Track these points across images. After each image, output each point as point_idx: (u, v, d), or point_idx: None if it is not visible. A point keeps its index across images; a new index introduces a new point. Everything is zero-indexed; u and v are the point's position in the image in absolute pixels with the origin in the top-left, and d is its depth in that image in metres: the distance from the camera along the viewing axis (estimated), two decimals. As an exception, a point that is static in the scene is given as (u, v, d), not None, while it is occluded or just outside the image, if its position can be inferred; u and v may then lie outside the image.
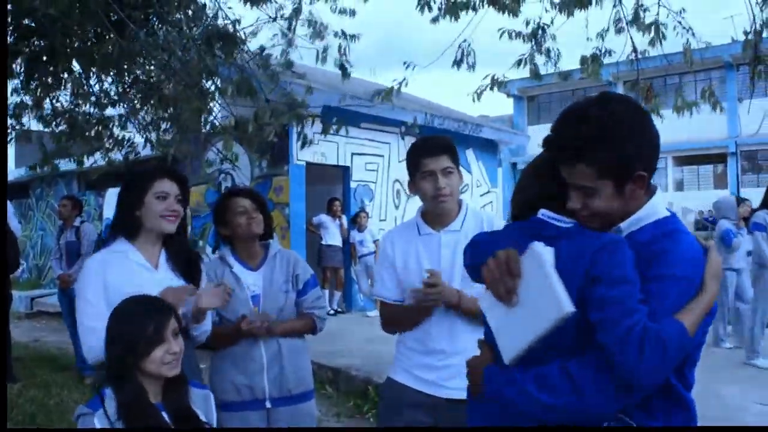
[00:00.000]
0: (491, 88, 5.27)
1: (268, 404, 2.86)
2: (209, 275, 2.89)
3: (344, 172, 10.49)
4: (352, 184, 10.54)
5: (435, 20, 5.26)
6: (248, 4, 4.77)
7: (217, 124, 5.24)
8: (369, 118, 10.08)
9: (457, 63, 5.27)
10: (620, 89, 29.55)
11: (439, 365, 2.53)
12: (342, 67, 5.14)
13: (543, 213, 1.62)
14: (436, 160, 2.50)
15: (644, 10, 4.92)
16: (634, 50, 4.93)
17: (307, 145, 5.05)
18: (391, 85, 5.29)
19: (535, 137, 19.32)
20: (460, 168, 2.63)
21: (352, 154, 10.37)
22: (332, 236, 10.07)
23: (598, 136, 1.47)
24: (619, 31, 4.89)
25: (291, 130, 8.08)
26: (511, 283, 1.55)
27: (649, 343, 1.34)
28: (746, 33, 4.35)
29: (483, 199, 12.77)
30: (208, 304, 2.49)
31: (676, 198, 28.14)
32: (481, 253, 1.74)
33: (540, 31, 5.17)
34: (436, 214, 2.59)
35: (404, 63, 5.08)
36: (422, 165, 2.52)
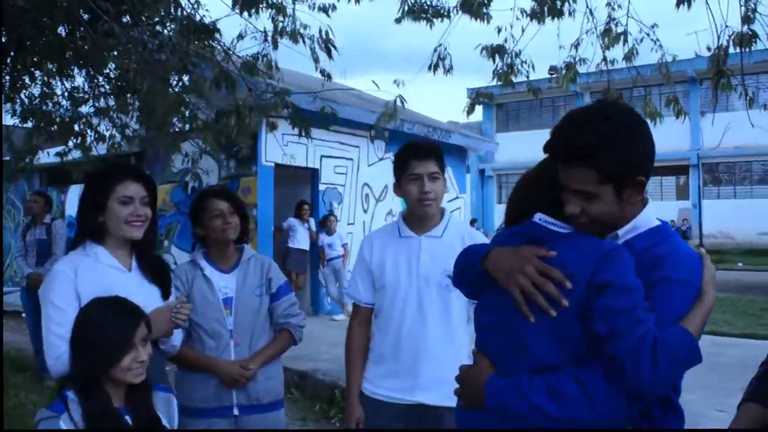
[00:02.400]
0: (479, 103, 5.28)
1: (235, 411, 2.81)
2: (180, 278, 2.84)
3: (313, 174, 10.43)
4: (321, 187, 10.49)
5: (398, 21, 5.22)
6: (237, 8, 4.70)
7: (199, 118, 5.14)
8: (339, 121, 10.05)
9: (433, 67, 5.24)
10: (587, 99, 30.13)
11: (411, 372, 2.52)
12: (329, 51, 5.07)
13: (539, 217, 1.60)
14: (423, 164, 2.51)
15: (616, 24, 4.99)
16: (605, 59, 4.99)
17: (275, 131, 4.99)
18: (387, 105, 5.25)
19: (504, 144, 19.51)
20: (446, 175, 2.63)
21: (322, 156, 10.32)
22: (300, 240, 10.00)
23: (601, 140, 1.47)
24: (607, 44, 4.96)
25: (260, 131, 8.02)
26: (555, 292, 1.49)
27: (661, 353, 1.35)
28: (710, 48, 4.43)
29: (451, 204, 12.82)
30: (157, 333, 2.26)
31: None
32: (473, 255, 1.72)
33: (511, 40, 5.20)
34: (419, 217, 2.58)
35: (394, 81, 5.05)
36: (409, 168, 2.52)
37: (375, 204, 11.46)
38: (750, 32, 3.94)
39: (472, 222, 23.59)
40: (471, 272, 1.72)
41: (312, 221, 10.17)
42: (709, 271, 1.51)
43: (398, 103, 5.02)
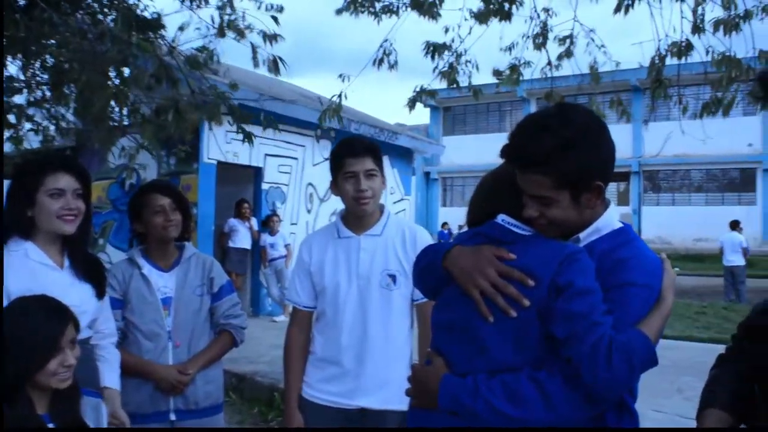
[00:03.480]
0: (420, 100, 5.25)
1: (172, 416, 2.72)
2: (117, 278, 2.72)
3: (256, 173, 10.27)
4: (264, 186, 10.33)
5: (339, 12, 5.15)
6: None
7: (139, 112, 4.96)
8: (284, 120, 9.94)
9: (378, 62, 5.18)
10: (533, 106, 30.73)
11: (353, 375, 2.48)
12: (276, 66, 4.98)
13: (502, 218, 1.59)
14: (359, 161, 2.45)
15: (550, 30, 5.06)
16: (549, 63, 5.06)
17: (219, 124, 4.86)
18: (331, 98, 5.17)
19: (450, 148, 19.61)
20: (384, 172, 2.58)
21: (266, 155, 10.17)
22: (241, 239, 9.82)
23: (557, 147, 1.46)
24: (538, 47, 5.01)
25: (203, 127, 7.84)
26: (514, 292, 1.47)
27: (616, 355, 1.35)
28: (654, 59, 4.54)
29: (396, 206, 12.84)
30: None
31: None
32: (433, 254, 1.69)
33: (459, 40, 5.20)
34: (357, 216, 2.52)
35: (339, 75, 4.97)
36: (345, 165, 2.46)
37: (319, 204, 11.36)
38: (686, 43, 4.06)
39: (443, 225, 23.79)
40: (431, 270, 1.69)
41: (254, 220, 10.00)
42: (669, 276, 1.51)
43: (342, 98, 4.96)
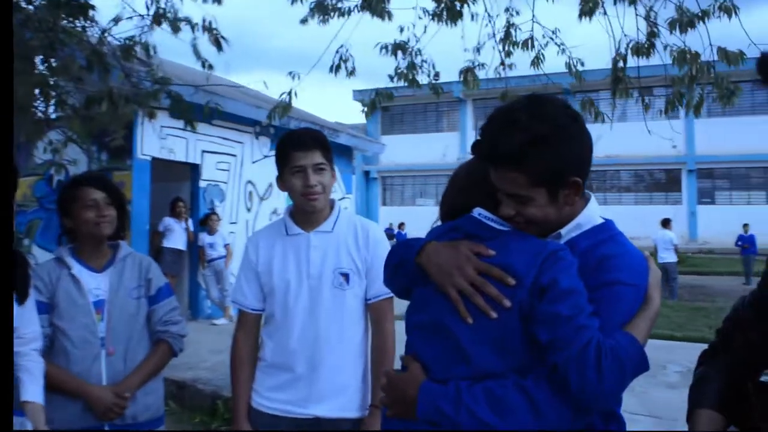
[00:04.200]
0: (379, 104, 5.15)
1: (107, 427, 2.47)
2: (43, 279, 2.45)
3: (193, 170, 9.91)
4: (202, 184, 9.99)
5: (304, 21, 5.04)
6: None
7: (67, 103, 4.63)
8: (222, 115, 9.62)
9: (335, 68, 5.12)
10: (469, 106, 31.14)
11: (305, 382, 2.32)
12: (218, 43, 4.73)
13: (479, 212, 1.50)
14: (307, 154, 2.30)
15: (515, 29, 5.03)
16: (502, 64, 5.02)
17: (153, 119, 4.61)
18: (281, 96, 5.00)
19: (389, 147, 19.59)
20: (334, 166, 2.43)
21: (203, 151, 9.84)
22: (176, 239, 9.45)
23: (531, 142, 1.36)
24: (507, 52, 4.97)
25: (137, 121, 7.48)
26: (494, 292, 1.37)
27: (606, 362, 1.26)
28: (614, 59, 4.54)
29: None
30: None
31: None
32: (406, 250, 1.57)
33: (414, 41, 5.11)
34: (306, 213, 2.38)
35: (289, 73, 4.82)
36: (292, 159, 2.31)
37: (259, 202, 11.11)
38: (648, 42, 4.08)
39: (401, 225, 23.58)
40: (404, 268, 1.58)
41: (189, 220, 9.64)
42: (654, 274, 1.44)
43: (291, 96, 4.81)
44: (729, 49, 4.08)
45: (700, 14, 3.96)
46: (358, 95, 29.97)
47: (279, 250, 2.39)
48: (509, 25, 5.03)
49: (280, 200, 11.33)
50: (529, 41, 4.80)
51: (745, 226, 18.20)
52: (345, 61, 5.08)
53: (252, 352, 2.45)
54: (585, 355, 1.26)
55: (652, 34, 4.13)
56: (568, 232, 1.49)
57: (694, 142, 26.82)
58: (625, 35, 4.28)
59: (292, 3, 4.92)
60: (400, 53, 5.10)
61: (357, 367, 2.37)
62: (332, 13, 4.93)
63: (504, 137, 1.39)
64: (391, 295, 2.34)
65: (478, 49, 5.10)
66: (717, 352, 1.75)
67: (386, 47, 5.03)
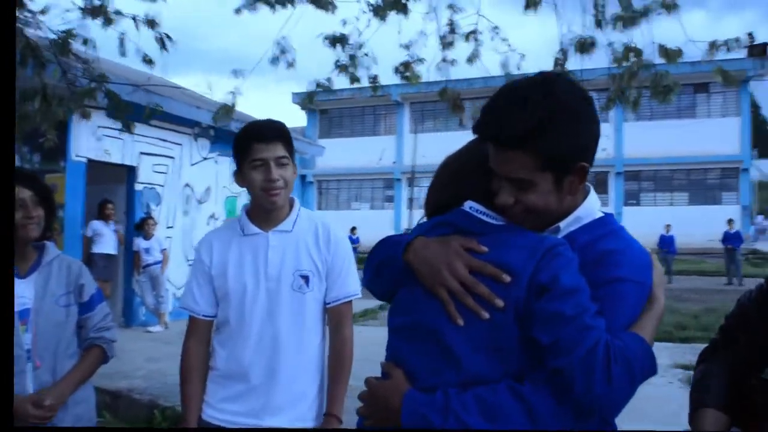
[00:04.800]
0: (311, 101, 5.07)
1: None
2: None
3: (129, 172, 9.57)
4: (138, 187, 9.66)
5: (238, 11, 4.92)
6: None
7: None
8: (162, 115, 9.36)
9: (275, 60, 5.01)
10: (407, 109, 31.31)
11: (261, 392, 2.21)
12: (162, 42, 4.55)
13: (470, 206, 1.39)
14: (269, 147, 2.17)
15: (454, 27, 5.03)
16: (444, 60, 5.02)
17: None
18: (227, 94, 4.86)
19: (327, 150, 19.44)
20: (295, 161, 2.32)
21: (140, 153, 9.52)
22: (106, 244, 9.07)
23: (542, 120, 1.27)
24: (446, 45, 4.97)
25: (70, 120, 7.14)
26: (486, 291, 1.29)
27: (615, 365, 1.18)
28: (557, 57, 4.59)
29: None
30: None
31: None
32: (392, 247, 1.48)
33: (357, 35, 5.05)
34: (266, 210, 2.24)
35: (233, 71, 4.69)
36: (252, 152, 2.17)
37: (197, 206, 10.81)
38: (590, 39, 4.14)
39: (353, 230, 23.21)
40: (388, 267, 1.48)
41: (119, 223, 9.30)
42: (658, 272, 1.36)
43: (235, 95, 4.69)
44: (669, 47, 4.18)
45: (642, 10, 4.02)
46: (297, 98, 29.75)
47: (235, 251, 2.25)
48: (451, 22, 5.03)
49: (218, 204, 11.10)
50: (472, 35, 4.79)
51: (667, 226, 18.97)
52: (284, 53, 4.99)
53: (203, 362, 2.31)
54: (593, 358, 1.18)
55: (598, 23, 4.16)
56: (567, 225, 1.40)
57: (622, 145, 27.77)
58: (570, 30, 4.34)
59: None
60: (340, 47, 5.03)
61: (315, 375, 2.27)
62: (275, 5, 4.81)
63: (515, 115, 1.29)
64: (352, 298, 2.28)
65: (409, 45, 5.07)
66: (718, 349, 1.73)
67: (329, 38, 4.95)
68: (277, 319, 2.20)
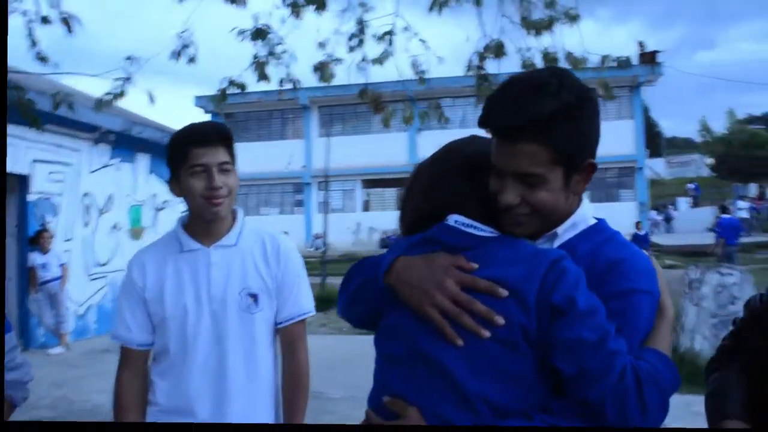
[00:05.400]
0: (224, 98, 4.81)
1: None
2: None
3: (21, 182, 8.85)
4: (32, 197, 8.97)
5: None
6: None
7: None
8: (55, 120, 8.65)
9: (177, 54, 4.72)
10: (314, 113, 31.09)
11: (209, 427, 1.91)
12: (67, 23, 4.15)
13: (455, 220, 1.27)
14: (211, 151, 1.95)
15: (364, 26, 4.91)
16: (364, 59, 4.91)
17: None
18: (116, 82, 4.51)
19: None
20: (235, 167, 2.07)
21: (34, 160, 8.84)
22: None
23: (560, 110, 1.19)
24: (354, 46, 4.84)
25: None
26: (483, 308, 1.17)
27: (647, 390, 1.11)
28: (470, 61, 4.60)
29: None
30: None
31: (363, 218, 30.38)
32: (370, 268, 1.35)
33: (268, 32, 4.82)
34: (206, 222, 2.01)
35: (127, 57, 4.32)
36: (192, 157, 1.94)
37: (98, 217, 10.21)
38: (500, 43, 4.25)
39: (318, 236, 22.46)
40: (368, 291, 1.35)
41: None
42: (662, 278, 1.28)
43: (127, 83, 4.37)
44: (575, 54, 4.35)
45: (548, 19, 4.17)
46: (201, 101, 28.92)
47: (171, 270, 2.02)
48: (362, 22, 4.93)
49: (122, 213, 10.52)
50: (387, 35, 4.70)
51: (638, 223, 19.83)
52: (186, 47, 4.72)
53: (140, 397, 2.06)
54: (623, 387, 1.10)
55: (526, 20, 4.28)
56: (564, 231, 1.32)
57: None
58: (485, 35, 4.39)
59: None
60: (260, 42, 4.80)
61: (269, 404, 2.06)
62: None
63: (532, 103, 1.20)
64: (306, 316, 2.10)
65: (324, 44, 4.92)
66: (731, 356, 1.67)
67: (248, 33, 4.71)
68: (224, 345, 1.99)
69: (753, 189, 32.54)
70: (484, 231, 1.26)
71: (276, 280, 2.05)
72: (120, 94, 4.71)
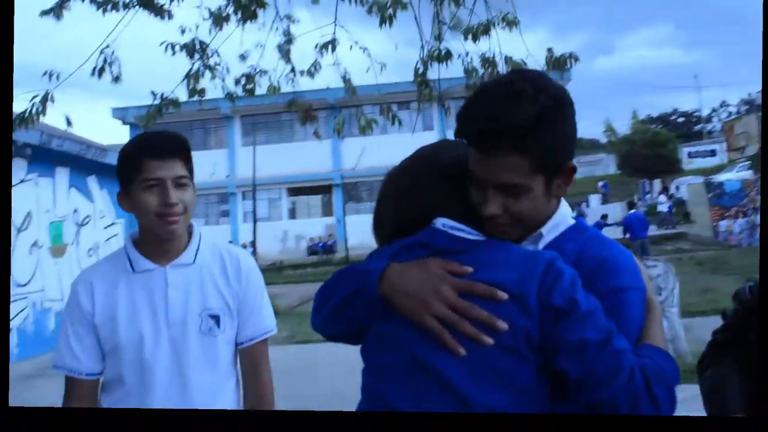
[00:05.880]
0: (160, 111, 4.78)
1: None
2: None
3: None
4: (-54, 216, 8.60)
5: (47, 13, 4.48)
6: None
7: None
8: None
9: (99, 71, 4.53)
10: (237, 122, 30.74)
11: None
12: None
13: (443, 223, 1.25)
14: (166, 164, 1.81)
15: (290, 38, 5.03)
16: (293, 70, 5.01)
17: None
18: (31, 100, 4.39)
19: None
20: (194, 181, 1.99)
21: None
22: None
23: (535, 118, 1.16)
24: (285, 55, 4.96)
25: None
26: (484, 314, 1.15)
27: (656, 388, 1.11)
28: (416, 66, 4.64)
29: (107, 231, 11.70)
30: None
31: (290, 226, 30.27)
32: (360, 277, 1.28)
33: (200, 45, 4.84)
34: (161, 240, 1.88)
35: (45, 72, 4.22)
36: (145, 170, 1.80)
37: (16, 235, 9.80)
38: (446, 50, 4.31)
39: (246, 245, 21.42)
40: (357, 302, 1.27)
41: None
42: (645, 274, 1.28)
43: (48, 100, 4.26)
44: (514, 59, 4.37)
45: (485, 24, 4.20)
46: (118, 113, 28.15)
47: (124, 292, 1.87)
48: (288, 33, 5.02)
49: (41, 231, 10.16)
50: (330, 45, 4.69)
51: (604, 216, 20.34)
52: (110, 64, 4.53)
53: None
54: (633, 386, 1.10)
55: (464, 21, 4.27)
56: (548, 232, 1.30)
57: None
58: (427, 42, 4.41)
59: None
60: (197, 55, 4.78)
61: None
62: (104, 6, 4.43)
63: (509, 113, 1.16)
64: (268, 335, 2.00)
65: (245, 56, 5.01)
66: (725, 349, 1.63)
67: (181, 46, 4.66)
68: (185, 372, 1.87)
69: (657, 185, 34.12)
70: (472, 234, 1.24)
71: (237, 299, 1.93)
72: (41, 111, 4.57)
